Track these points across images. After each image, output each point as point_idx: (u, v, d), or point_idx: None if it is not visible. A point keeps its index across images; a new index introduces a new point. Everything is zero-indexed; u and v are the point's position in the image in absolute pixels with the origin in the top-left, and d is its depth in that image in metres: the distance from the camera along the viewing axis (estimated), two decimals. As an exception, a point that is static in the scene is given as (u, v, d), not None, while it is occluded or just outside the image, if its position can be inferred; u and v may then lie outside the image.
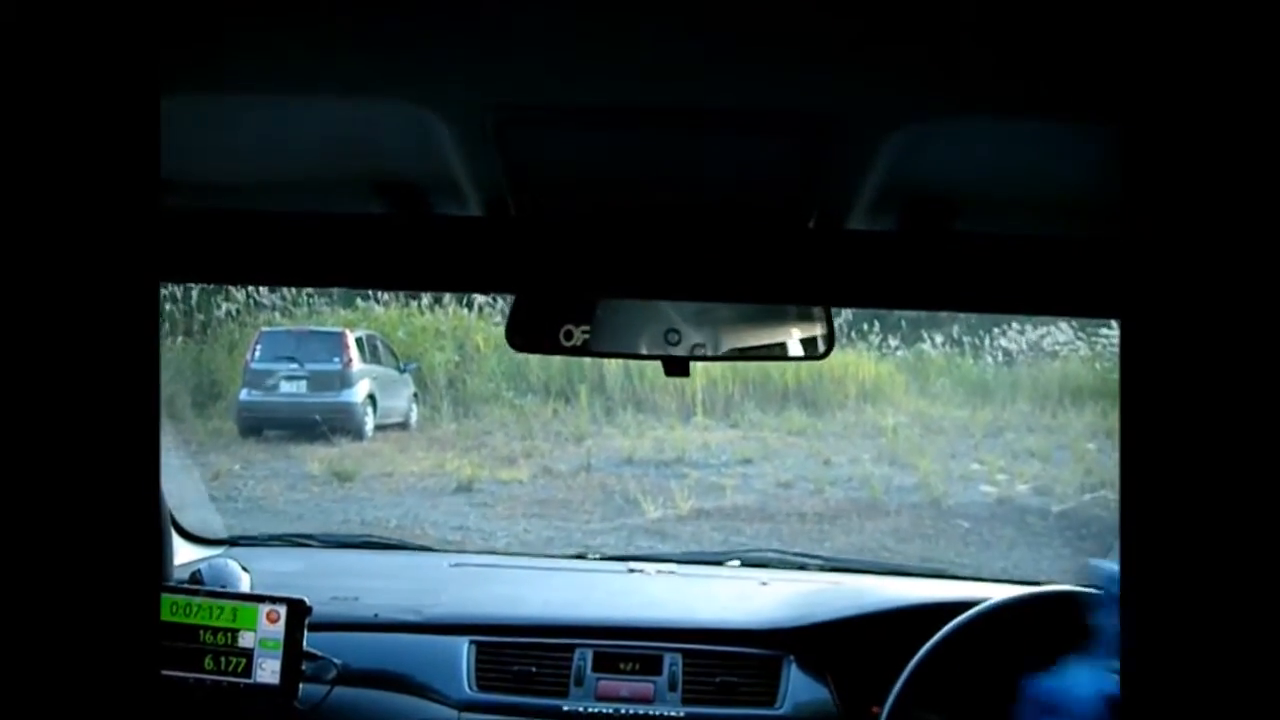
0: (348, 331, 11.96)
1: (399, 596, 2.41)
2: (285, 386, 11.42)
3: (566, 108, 1.07)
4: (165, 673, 2.04)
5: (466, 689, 2.18)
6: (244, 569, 2.27)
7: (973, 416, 12.72)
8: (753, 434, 12.15)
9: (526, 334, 1.58)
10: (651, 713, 2.14)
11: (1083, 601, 1.89)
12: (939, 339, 14.11)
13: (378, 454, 10.98)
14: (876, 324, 13.87)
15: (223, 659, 2.07)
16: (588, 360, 12.64)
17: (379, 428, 11.77)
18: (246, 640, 2.08)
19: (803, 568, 2.80)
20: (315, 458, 10.50)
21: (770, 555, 2.94)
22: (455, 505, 9.08)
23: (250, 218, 1.31)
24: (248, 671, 2.07)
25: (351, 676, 2.16)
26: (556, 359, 12.71)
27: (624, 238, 1.31)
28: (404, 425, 12.30)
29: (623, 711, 2.14)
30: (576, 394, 12.73)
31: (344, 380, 11.48)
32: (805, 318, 1.63)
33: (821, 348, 1.63)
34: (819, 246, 1.32)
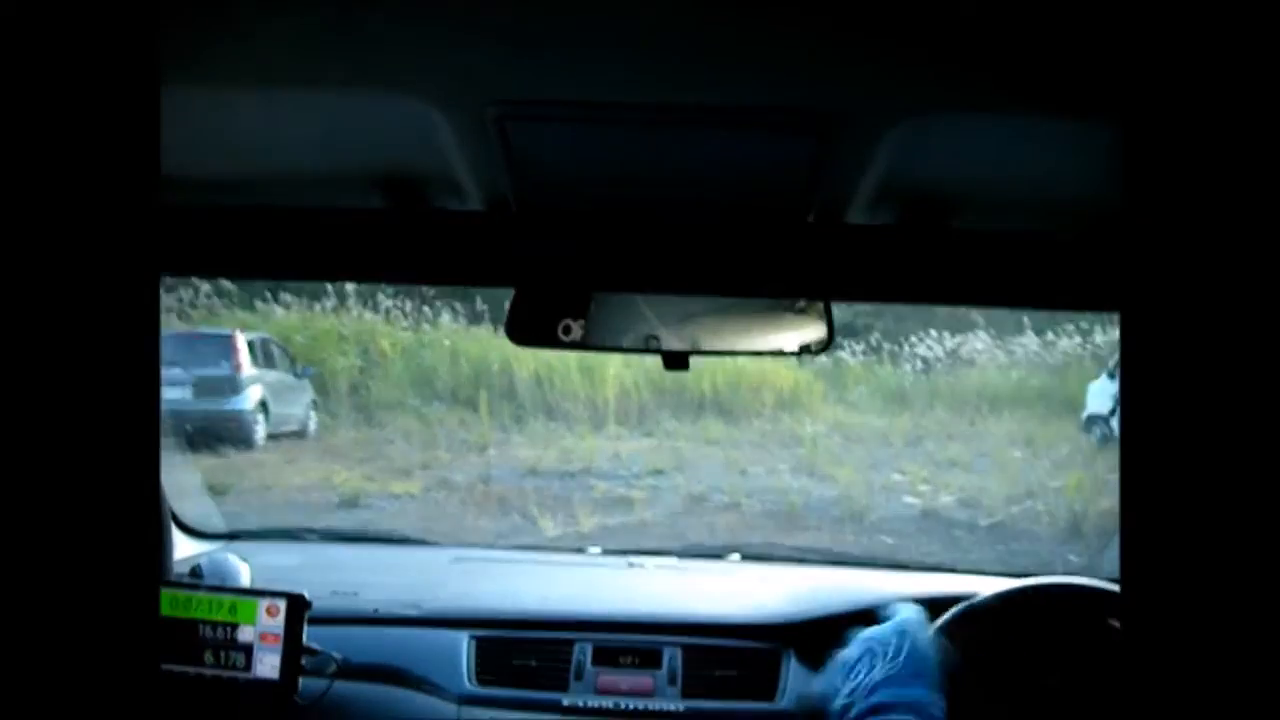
0: (238, 333, 11.75)
1: (399, 591, 2.47)
2: (169, 393, 11.17)
3: (567, 102, 1.10)
4: (165, 667, 2.10)
5: (466, 683, 2.25)
6: (244, 563, 2.35)
7: (892, 425, 12.84)
8: (667, 443, 12.15)
9: (525, 328, 1.64)
10: (651, 706, 2.21)
11: (1077, 595, 1.97)
12: (858, 347, 14.28)
13: (263, 464, 10.79)
14: (795, 331, 14.07)
15: (222, 653, 2.14)
16: (495, 366, 12.67)
17: (272, 436, 11.58)
18: (246, 635, 2.14)
19: (802, 561, 2.91)
20: (195, 468, 10.28)
21: (770, 549, 3.06)
22: (335, 522, 8.76)
23: (251, 212, 1.40)
24: (247, 666, 2.12)
25: (351, 671, 2.22)
26: (465, 365, 12.69)
27: (623, 233, 1.40)
28: (300, 434, 12.15)
29: (622, 705, 2.21)
30: (488, 403, 12.63)
31: (233, 386, 11.30)
32: (803, 312, 1.67)
33: (819, 343, 1.68)
34: (818, 242, 1.41)
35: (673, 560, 2.84)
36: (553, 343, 1.65)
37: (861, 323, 14.27)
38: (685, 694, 2.24)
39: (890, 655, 1.62)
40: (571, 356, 12.91)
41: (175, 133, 0.95)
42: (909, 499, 10.38)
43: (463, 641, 2.33)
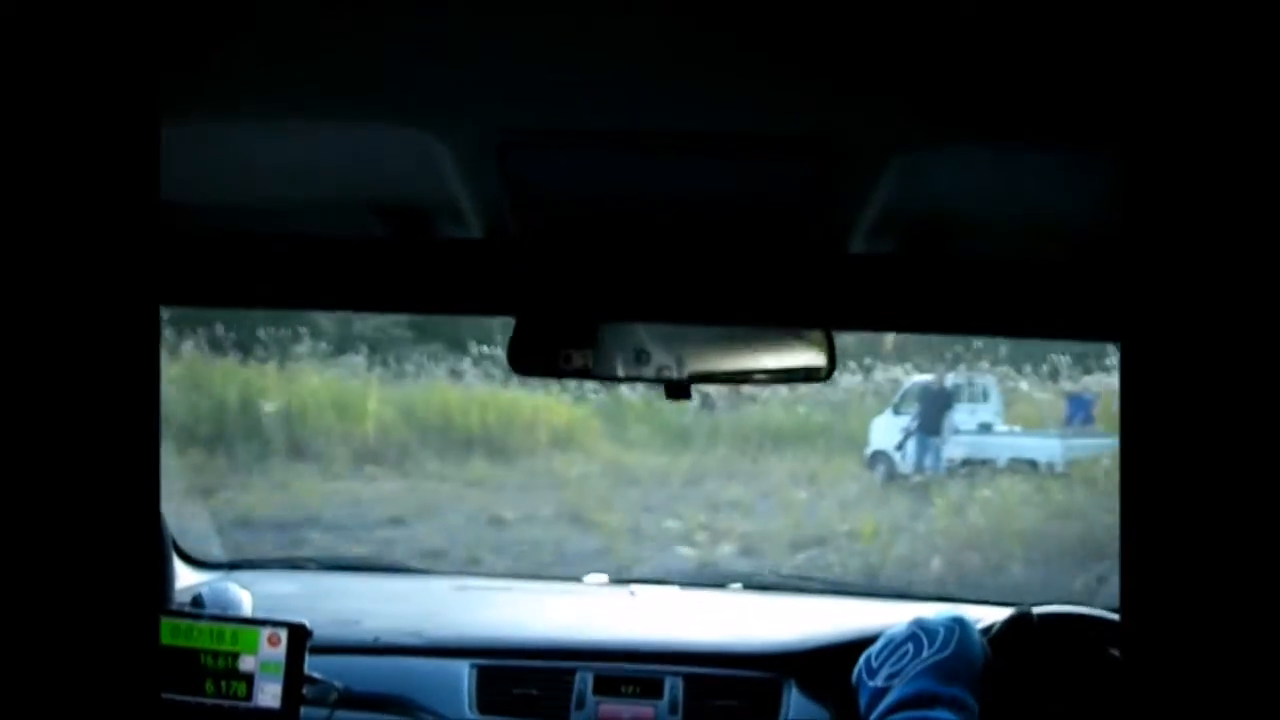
0: None
1: (400, 619, 2.62)
2: None
3: (568, 131, 1.17)
4: (166, 696, 2.23)
5: (468, 712, 2.38)
6: (245, 592, 2.50)
7: (672, 464, 12.89)
8: (424, 485, 11.98)
9: (526, 357, 1.75)
10: None
11: (1080, 623, 2.08)
12: (638, 384, 14.17)
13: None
14: (576, 367, 13.94)
15: (223, 682, 2.27)
16: (236, 399, 12.30)
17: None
18: (247, 664, 2.27)
19: (804, 590, 3.07)
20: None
21: (771, 578, 3.25)
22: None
23: (252, 240, 1.53)
24: (249, 695, 2.26)
25: (353, 700, 2.35)
26: (203, 400, 12.16)
27: (624, 261, 1.52)
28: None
29: None
30: (225, 441, 12.16)
31: None
32: (806, 341, 1.75)
33: (823, 371, 1.77)
34: (820, 271, 1.50)
35: (674, 589, 3.01)
36: (554, 372, 1.79)
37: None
38: None
39: (939, 645, 1.66)
40: (325, 390, 12.76)
41: (177, 162, 1.05)
42: (683, 550, 10.25)
43: (464, 670, 2.46)
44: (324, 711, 2.36)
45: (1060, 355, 13.77)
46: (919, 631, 1.72)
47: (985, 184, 1.29)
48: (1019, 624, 2.04)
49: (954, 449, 13.02)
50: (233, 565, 3.07)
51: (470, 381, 14.34)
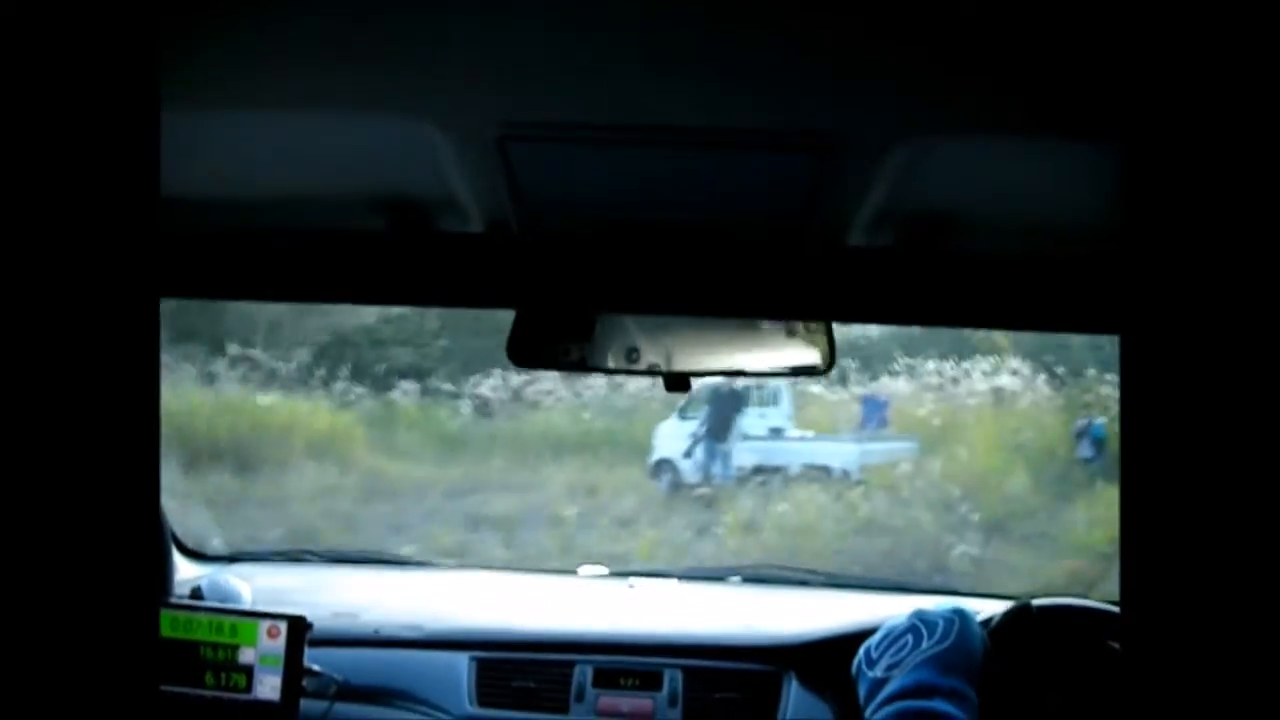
0: None
1: (399, 612, 2.72)
2: None
3: (569, 124, 1.19)
4: (165, 688, 2.29)
5: (467, 705, 2.48)
6: (245, 584, 2.56)
7: (438, 475, 12.34)
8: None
9: (527, 350, 1.78)
10: None
11: (1079, 615, 2.09)
12: (410, 386, 13.96)
13: None
14: (346, 368, 13.56)
15: (223, 675, 2.35)
16: None
17: None
18: (247, 656, 2.35)
19: (803, 584, 3.19)
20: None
21: (770, 571, 3.33)
22: None
23: (253, 234, 1.56)
24: (248, 687, 2.34)
25: (352, 692, 2.44)
26: None
27: (624, 254, 1.53)
28: None
29: None
30: None
31: None
32: (805, 334, 1.79)
33: (822, 364, 1.82)
34: (819, 264, 1.54)
35: (673, 582, 3.10)
36: (554, 365, 1.87)
37: (429, 361, 14.07)
38: (686, 716, 2.48)
39: (939, 636, 1.71)
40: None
41: (178, 155, 1.04)
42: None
43: (463, 663, 2.56)
44: (323, 704, 2.44)
45: (850, 361, 13.94)
46: (919, 623, 1.77)
47: (985, 176, 1.31)
48: (1019, 616, 2.09)
49: (744, 456, 12.68)
50: (232, 558, 3.10)
51: (224, 386, 13.50)
